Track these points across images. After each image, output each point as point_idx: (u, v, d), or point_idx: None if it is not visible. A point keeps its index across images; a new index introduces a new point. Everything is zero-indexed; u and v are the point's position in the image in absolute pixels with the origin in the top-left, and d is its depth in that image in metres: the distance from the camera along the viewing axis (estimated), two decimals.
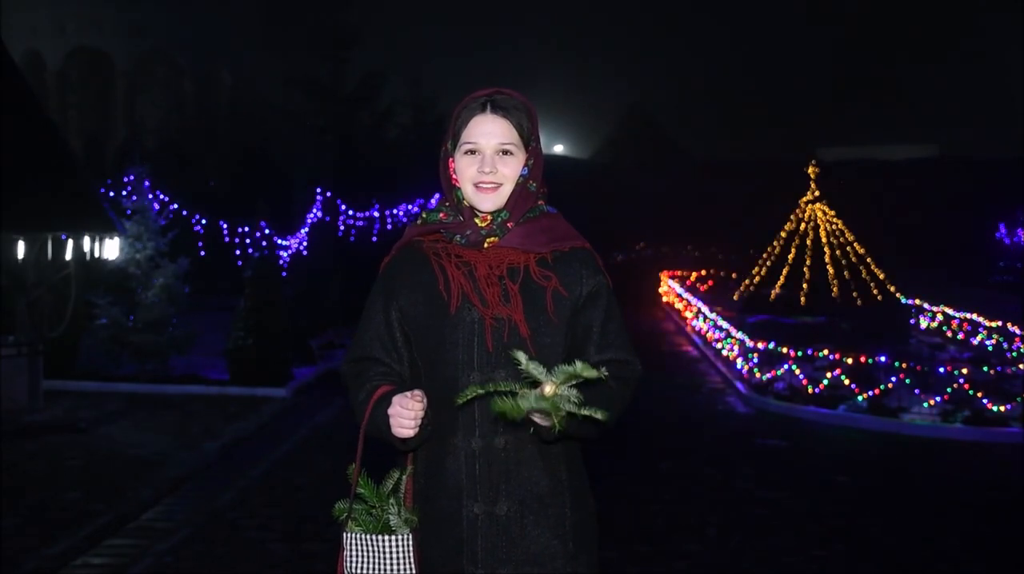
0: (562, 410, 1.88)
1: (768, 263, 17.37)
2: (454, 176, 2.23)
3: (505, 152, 2.19)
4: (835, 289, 16.01)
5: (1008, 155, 55.59)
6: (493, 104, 2.20)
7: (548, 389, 1.87)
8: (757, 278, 17.58)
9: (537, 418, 1.95)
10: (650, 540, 5.82)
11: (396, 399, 2.06)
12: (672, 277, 26.81)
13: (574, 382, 1.89)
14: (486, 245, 2.19)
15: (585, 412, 1.88)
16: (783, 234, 17.23)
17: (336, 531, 2.19)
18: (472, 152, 2.19)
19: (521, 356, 1.90)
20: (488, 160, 2.18)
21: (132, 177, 11.56)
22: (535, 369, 1.88)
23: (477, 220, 2.21)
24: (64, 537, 5.66)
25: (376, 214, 19.55)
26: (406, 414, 2.04)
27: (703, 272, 31.91)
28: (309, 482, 7.17)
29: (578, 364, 1.87)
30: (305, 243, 16.60)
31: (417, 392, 2.06)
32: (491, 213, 2.20)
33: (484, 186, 2.18)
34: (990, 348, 14.08)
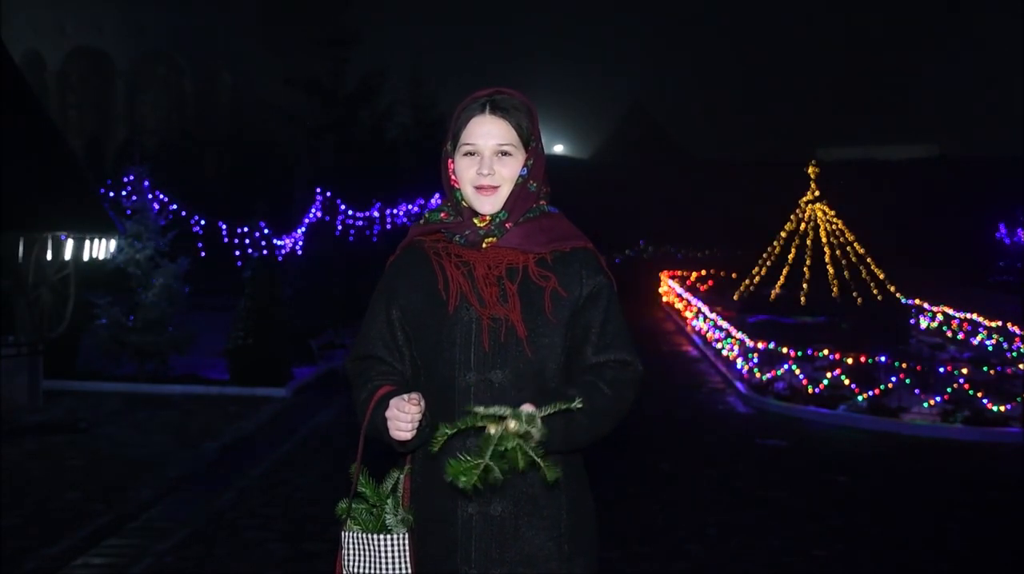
0: (520, 461, 1.87)
1: (768, 263, 17.38)
2: (453, 177, 2.23)
3: (504, 153, 2.18)
4: (835, 289, 16.01)
5: (1008, 155, 55.59)
6: (492, 105, 2.19)
7: (512, 425, 1.88)
8: (757, 278, 17.58)
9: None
10: (650, 540, 5.82)
11: (393, 402, 2.06)
12: (672, 277, 26.82)
13: (551, 411, 1.91)
14: (484, 245, 2.18)
15: (543, 465, 1.87)
16: (783, 234, 17.23)
17: (336, 531, 2.20)
18: (471, 153, 2.19)
19: (479, 409, 1.91)
20: (487, 161, 2.17)
21: (132, 177, 11.55)
22: (496, 411, 1.90)
23: (476, 220, 2.20)
24: (64, 537, 5.66)
25: (376, 214, 19.54)
26: (402, 417, 2.04)
27: (703, 272, 31.92)
28: (309, 482, 7.17)
29: (533, 414, 1.89)
30: (304, 243, 16.59)
31: (414, 395, 2.05)
32: (490, 214, 2.20)
33: (483, 188, 2.18)
34: (990, 348, 14.09)
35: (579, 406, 1.93)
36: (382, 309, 2.25)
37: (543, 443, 1.90)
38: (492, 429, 1.89)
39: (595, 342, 2.19)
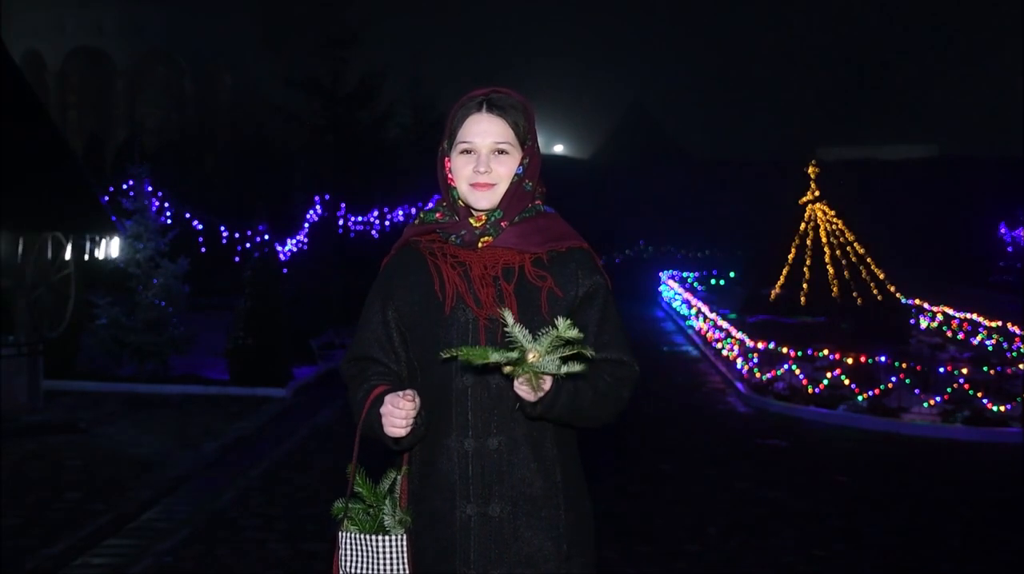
0: (541, 371, 1.88)
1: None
2: (450, 175, 2.23)
3: (500, 151, 2.18)
4: (835, 289, 16.01)
5: (1008, 155, 55.57)
6: (489, 103, 2.19)
7: (531, 356, 1.87)
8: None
9: (523, 392, 1.95)
10: (650, 540, 5.82)
11: (388, 398, 2.06)
12: (672, 277, 26.82)
13: (558, 352, 1.89)
14: (480, 245, 2.18)
15: (565, 370, 1.88)
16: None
17: (336, 531, 2.20)
18: (468, 151, 2.19)
19: (509, 317, 1.90)
20: (483, 159, 2.17)
21: (132, 178, 11.56)
22: (520, 334, 1.88)
23: (472, 220, 2.20)
24: (64, 537, 5.65)
25: (376, 214, 19.56)
26: (397, 413, 2.04)
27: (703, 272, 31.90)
28: (309, 482, 7.17)
29: (561, 324, 1.86)
30: (305, 243, 16.61)
31: (409, 392, 2.06)
32: (486, 212, 2.19)
33: (479, 185, 2.18)
34: (990, 348, 14.08)
35: (592, 355, 1.92)
36: (378, 310, 2.25)
37: (553, 397, 1.95)
38: (507, 369, 1.89)
39: (592, 342, 2.18)
